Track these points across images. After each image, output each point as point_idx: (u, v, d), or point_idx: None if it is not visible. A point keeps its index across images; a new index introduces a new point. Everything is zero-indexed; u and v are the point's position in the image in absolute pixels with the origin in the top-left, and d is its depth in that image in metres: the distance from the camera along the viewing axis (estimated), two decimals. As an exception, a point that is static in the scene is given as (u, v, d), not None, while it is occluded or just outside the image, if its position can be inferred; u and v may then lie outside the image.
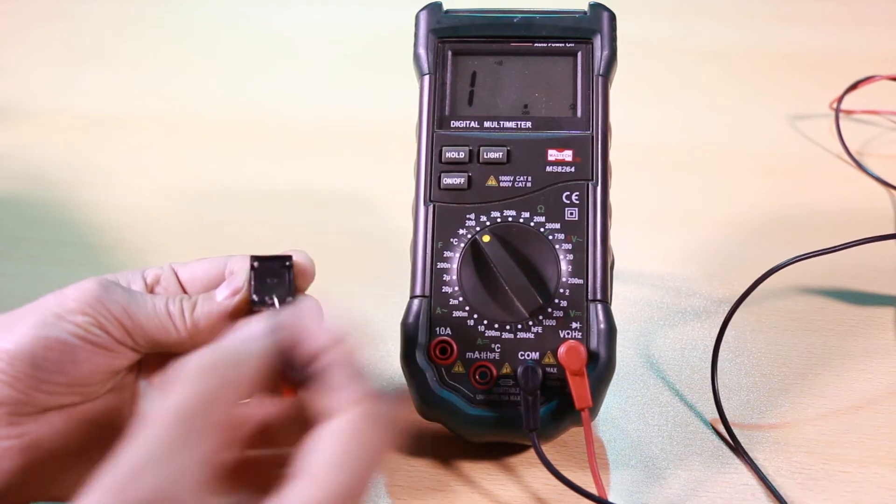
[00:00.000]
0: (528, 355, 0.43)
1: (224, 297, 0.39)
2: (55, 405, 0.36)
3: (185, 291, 0.41)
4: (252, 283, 0.40)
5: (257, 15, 0.99)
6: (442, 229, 0.45)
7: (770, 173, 0.69)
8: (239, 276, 0.40)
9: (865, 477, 0.44)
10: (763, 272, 0.52)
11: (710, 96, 0.81)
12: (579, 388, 0.42)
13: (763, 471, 0.45)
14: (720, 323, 0.51)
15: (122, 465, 0.28)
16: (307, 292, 0.41)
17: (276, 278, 0.40)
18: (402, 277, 0.46)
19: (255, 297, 0.39)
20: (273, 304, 0.39)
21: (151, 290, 0.41)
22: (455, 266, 0.45)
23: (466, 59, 0.48)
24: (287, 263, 0.40)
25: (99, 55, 0.92)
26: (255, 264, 0.40)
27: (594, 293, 0.44)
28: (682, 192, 0.67)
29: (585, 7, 0.48)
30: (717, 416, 0.48)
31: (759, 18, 0.94)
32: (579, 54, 0.47)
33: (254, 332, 0.33)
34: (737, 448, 0.46)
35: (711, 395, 0.49)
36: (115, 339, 0.37)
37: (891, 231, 0.62)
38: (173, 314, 0.39)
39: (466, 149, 0.46)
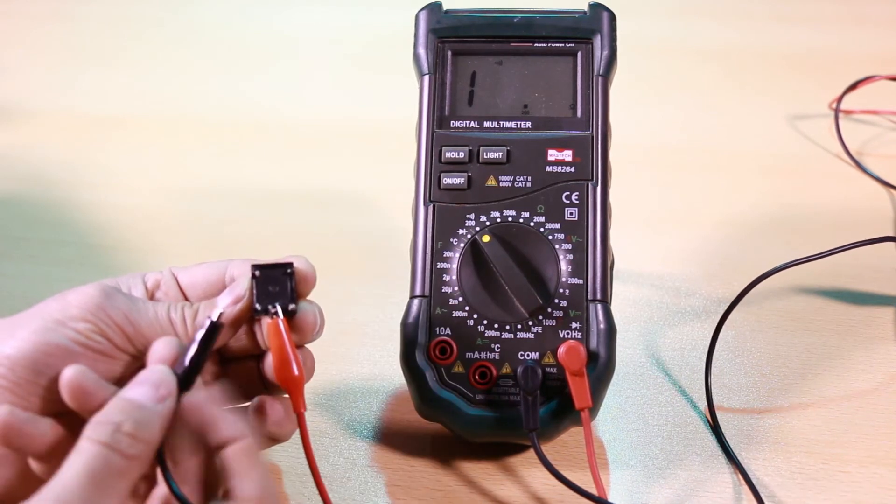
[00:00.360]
0: (528, 355, 0.43)
1: (226, 305, 0.39)
2: (56, 411, 0.36)
3: (185, 296, 0.41)
4: (253, 291, 0.39)
5: (257, 15, 0.99)
6: (442, 229, 0.45)
7: (770, 173, 0.69)
8: (240, 284, 0.40)
9: (865, 477, 0.44)
10: (763, 272, 0.52)
11: (710, 96, 0.81)
12: (579, 388, 0.42)
13: (749, 471, 0.45)
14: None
15: None
16: (309, 297, 0.41)
17: (277, 286, 0.40)
18: (402, 277, 0.46)
19: (257, 307, 0.39)
20: (276, 312, 0.39)
21: (152, 295, 0.41)
22: (455, 266, 0.45)
23: (466, 59, 0.48)
24: (288, 271, 0.40)
25: (99, 55, 0.92)
26: (257, 273, 0.40)
27: (594, 293, 0.44)
28: (682, 192, 0.68)
29: (585, 7, 0.48)
30: (714, 416, 0.48)
31: (759, 18, 0.94)
32: (579, 54, 0.47)
33: (154, 395, 0.35)
34: (724, 447, 0.46)
35: (713, 394, 0.49)
36: (117, 346, 0.37)
37: (890, 231, 0.62)
38: (175, 322, 0.38)
39: (466, 149, 0.46)
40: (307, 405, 0.40)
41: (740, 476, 0.44)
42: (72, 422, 0.36)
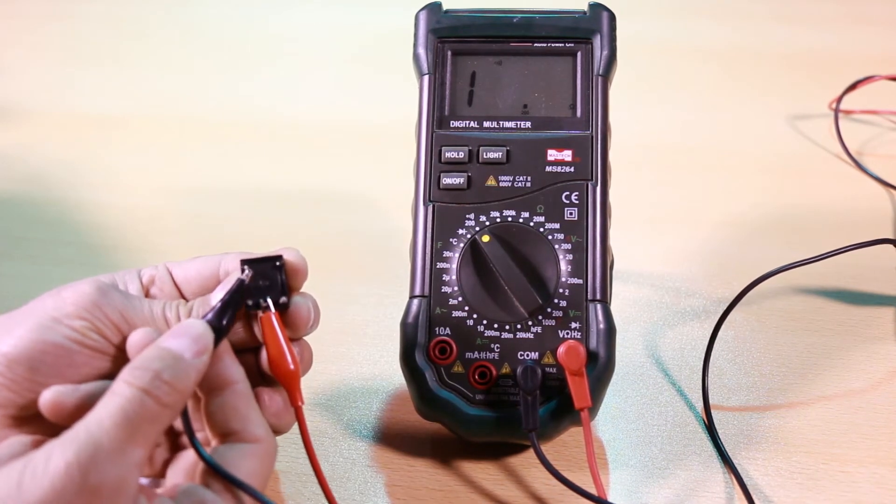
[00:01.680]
0: (528, 355, 0.43)
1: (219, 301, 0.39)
2: None
3: (179, 291, 0.41)
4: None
5: (257, 15, 0.99)
6: (441, 229, 0.45)
7: (770, 173, 0.69)
8: (233, 279, 0.40)
9: (865, 477, 0.44)
10: (763, 272, 0.52)
11: (710, 96, 0.81)
12: (578, 388, 0.42)
13: (749, 471, 0.45)
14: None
15: (83, 450, 0.31)
16: (304, 291, 0.41)
17: (268, 280, 0.39)
18: (401, 277, 0.46)
19: (248, 302, 0.39)
20: (267, 306, 0.39)
21: (147, 291, 0.41)
22: (454, 266, 0.45)
23: (466, 59, 0.48)
24: (277, 264, 0.40)
25: (99, 55, 0.92)
26: (246, 268, 0.39)
27: (594, 293, 0.44)
28: (682, 192, 0.68)
29: (585, 7, 0.48)
30: (710, 416, 0.48)
31: (759, 18, 0.94)
32: (579, 54, 0.47)
33: (189, 348, 0.36)
34: (719, 448, 0.46)
35: (713, 394, 0.49)
36: (112, 344, 0.37)
37: (889, 231, 0.62)
38: (170, 320, 0.39)
39: (466, 149, 0.46)
40: (306, 401, 0.40)
41: (734, 477, 0.44)
42: None
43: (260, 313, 0.39)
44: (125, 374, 0.34)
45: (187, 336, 0.36)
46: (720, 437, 0.47)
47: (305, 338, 0.42)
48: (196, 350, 0.36)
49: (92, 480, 0.31)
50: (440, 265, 0.45)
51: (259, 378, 0.42)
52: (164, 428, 0.34)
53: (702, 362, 0.51)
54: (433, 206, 0.45)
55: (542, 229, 0.45)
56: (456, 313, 0.44)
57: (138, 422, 0.33)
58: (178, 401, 0.35)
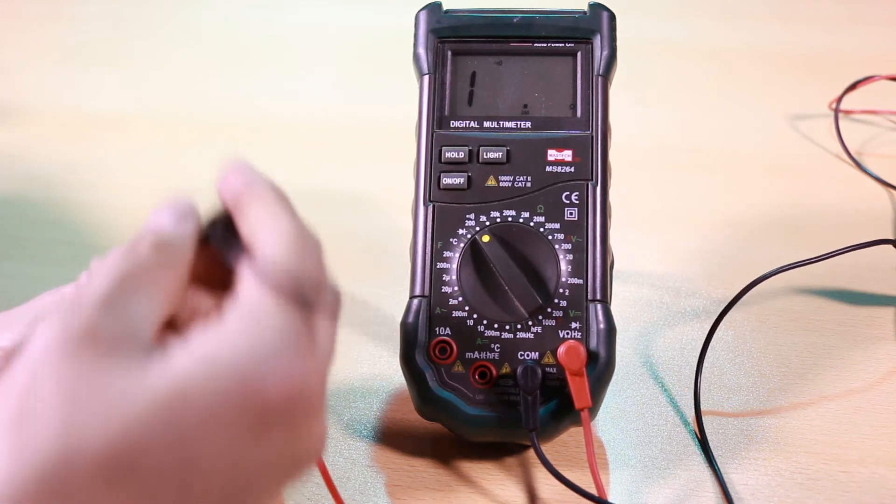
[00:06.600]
0: (528, 355, 0.43)
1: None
2: None
3: None
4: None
5: (257, 15, 0.99)
6: (442, 229, 0.45)
7: (770, 173, 0.69)
8: None
9: (865, 477, 0.44)
10: (763, 272, 0.52)
11: (710, 96, 0.81)
12: (579, 388, 0.42)
13: (748, 471, 0.45)
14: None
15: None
16: None
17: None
18: (402, 277, 0.46)
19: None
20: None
21: None
22: (455, 266, 0.45)
23: (466, 58, 0.48)
24: None
25: (98, 55, 0.91)
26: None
27: (594, 293, 0.44)
28: (682, 192, 0.67)
29: (585, 7, 0.48)
30: (713, 416, 0.48)
31: (759, 18, 0.94)
32: (579, 54, 0.47)
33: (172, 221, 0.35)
34: (706, 449, 0.46)
35: (713, 395, 0.49)
36: None
37: (889, 231, 0.62)
38: None
39: (466, 149, 0.46)
40: None
41: (716, 478, 0.44)
42: None
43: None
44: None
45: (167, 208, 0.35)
46: (709, 441, 0.47)
47: None
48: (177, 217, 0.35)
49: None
50: (440, 265, 0.45)
51: None
52: (168, 286, 0.33)
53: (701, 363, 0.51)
54: (433, 206, 0.45)
55: (542, 229, 0.45)
56: (456, 313, 0.44)
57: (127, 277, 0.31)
58: (174, 260, 0.33)
